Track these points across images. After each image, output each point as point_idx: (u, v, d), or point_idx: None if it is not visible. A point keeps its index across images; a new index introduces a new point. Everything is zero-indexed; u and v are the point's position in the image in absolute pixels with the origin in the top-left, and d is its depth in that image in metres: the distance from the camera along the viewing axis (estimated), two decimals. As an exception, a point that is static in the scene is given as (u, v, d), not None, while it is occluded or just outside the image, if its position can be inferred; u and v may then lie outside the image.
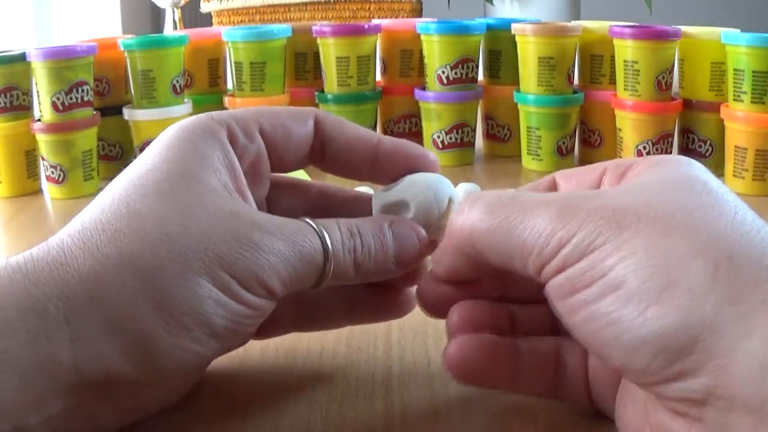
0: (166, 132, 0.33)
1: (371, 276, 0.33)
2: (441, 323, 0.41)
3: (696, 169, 0.29)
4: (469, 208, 0.30)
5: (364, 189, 0.47)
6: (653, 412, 0.27)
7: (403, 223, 0.34)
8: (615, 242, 0.25)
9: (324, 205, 0.37)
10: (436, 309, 0.33)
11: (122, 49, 0.73)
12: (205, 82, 0.80)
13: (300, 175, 0.57)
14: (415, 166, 0.36)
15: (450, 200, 0.35)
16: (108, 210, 0.30)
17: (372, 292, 0.36)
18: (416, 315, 0.38)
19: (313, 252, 0.31)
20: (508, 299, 0.33)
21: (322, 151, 0.36)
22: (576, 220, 0.26)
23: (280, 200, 0.37)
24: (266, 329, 0.35)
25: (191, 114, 0.75)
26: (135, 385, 0.29)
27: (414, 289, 0.35)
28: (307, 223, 0.32)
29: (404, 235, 0.33)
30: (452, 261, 0.32)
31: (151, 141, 0.33)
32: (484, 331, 0.31)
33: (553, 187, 0.33)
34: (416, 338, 0.39)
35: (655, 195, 0.27)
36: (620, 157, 0.73)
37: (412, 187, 0.35)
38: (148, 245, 0.28)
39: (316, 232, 0.31)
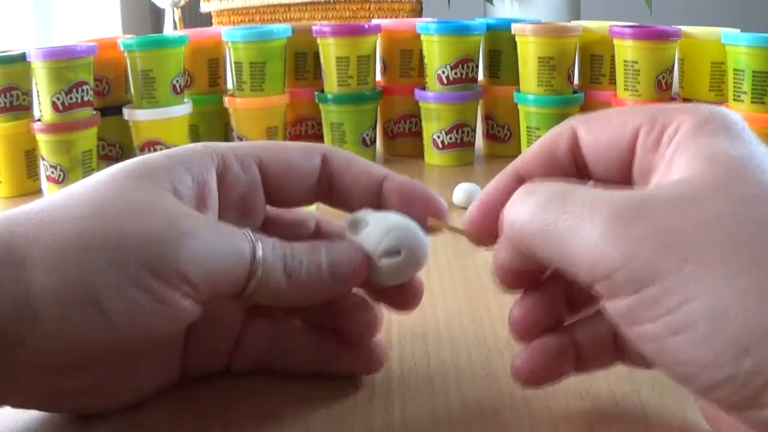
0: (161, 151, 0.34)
1: (308, 291, 0.32)
2: (440, 324, 0.41)
3: (756, 155, 0.27)
4: (521, 201, 0.29)
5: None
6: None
7: (337, 243, 0.33)
8: (676, 278, 0.24)
9: (321, 236, 0.37)
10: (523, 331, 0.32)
11: (122, 49, 0.73)
12: (205, 82, 0.80)
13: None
14: (419, 207, 0.34)
15: (400, 251, 0.33)
16: (56, 193, 0.31)
17: (344, 345, 0.35)
18: (416, 315, 0.38)
19: (242, 248, 0.31)
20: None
21: (329, 188, 0.36)
22: (627, 243, 0.25)
23: (277, 229, 0.36)
24: (237, 362, 0.36)
25: (191, 114, 0.75)
26: (29, 352, 0.28)
27: (379, 345, 0.35)
28: (242, 230, 0.32)
29: (338, 252, 0.33)
30: (510, 255, 0.31)
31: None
32: (545, 324, 0.32)
33: (574, 140, 0.31)
34: (416, 338, 0.39)
35: (716, 219, 0.25)
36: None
37: (381, 217, 0.34)
38: (61, 221, 0.29)
39: (249, 236, 0.31)
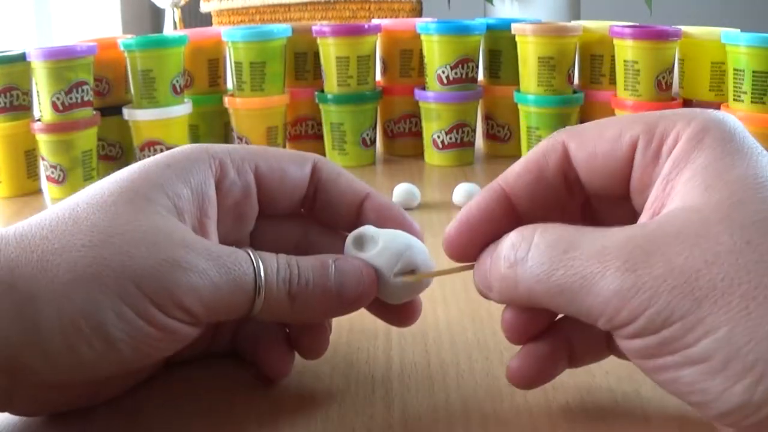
0: (160, 154, 0.34)
1: (314, 311, 0.33)
2: (440, 323, 0.41)
3: (758, 170, 0.27)
4: (521, 256, 0.28)
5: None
6: None
7: (349, 260, 0.33)
8: (693, 317, 0.25)
9: (308, 243, 0.37)
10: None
11: (122, 49, 0.73)
12: (205, 82, 0.80)
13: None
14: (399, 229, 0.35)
15: (413, 270, 0.33)
16: (55, 213, 0.31)
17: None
18: (416, 315, 0.38)
19: (243, 276, 0.31)
20: None
21: (314, 197, 0.36)
22: (644, 291, 0.25)
23: (265, 234, 0.37)
24: (215, 347, 0.37)
25: (191, 114, 0.75)
26: (37, 376, 0.29)
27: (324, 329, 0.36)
28: (244, 250, 0.32)
29: (348, 271, 0.32)
30: (517, 314, 0.31)
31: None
32: (537, 326, 0.31)
33: (564, 155, 0.31)
34: (416, 338, 0.39)
35: (723, 253, 0.25)
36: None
37: (390, 235, 0.34)
38: (71, 249, 0.29)
39: (251, 258, 0.31)
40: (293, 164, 0.36)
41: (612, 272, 0.26)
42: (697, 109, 0.29)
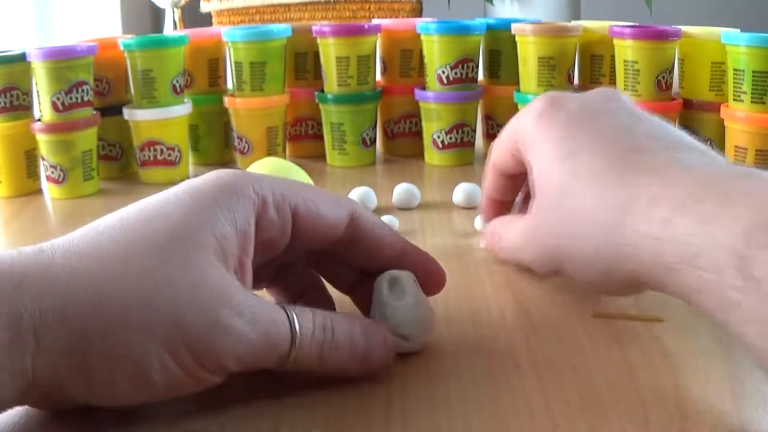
0: (201, 179, 0.34)
1: (335, 370, 0.35)
2: (440, 323, 0.41)
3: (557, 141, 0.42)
4: (498, 243, 0.47)
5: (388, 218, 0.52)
6: None
7: (378, 328, 0.36)
8: None
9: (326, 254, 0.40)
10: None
11: (122, 49, 0.73)
12: (205, 82, 0.80)
13: (300, 176, 0.57)
14: (428, 284, 0.39)
15: (411, 339, 0.37)
16: (104, 246, 0.31)
17: None
18: (416, 315, 0.38)
19: (280, 340, 0.32)
20: None
21: (351, 244, 0.38)
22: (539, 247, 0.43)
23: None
24: None
25: (191, 114, 0.75)
26: (74, 401, 0.31)
27: None
28: (283, 309, 0.33)
29: (376, 342, 0.35)
30: (494, 183, 0.51)
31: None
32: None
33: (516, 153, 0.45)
34: (416, 338, 0.39)
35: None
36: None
37: (413, 301, 0.37)
38: (123, 293, 0.30)
39: (289, 320, 0.33)
40: (331, 210, 0.37)
41: (529, 246, 0.43)
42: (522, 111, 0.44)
